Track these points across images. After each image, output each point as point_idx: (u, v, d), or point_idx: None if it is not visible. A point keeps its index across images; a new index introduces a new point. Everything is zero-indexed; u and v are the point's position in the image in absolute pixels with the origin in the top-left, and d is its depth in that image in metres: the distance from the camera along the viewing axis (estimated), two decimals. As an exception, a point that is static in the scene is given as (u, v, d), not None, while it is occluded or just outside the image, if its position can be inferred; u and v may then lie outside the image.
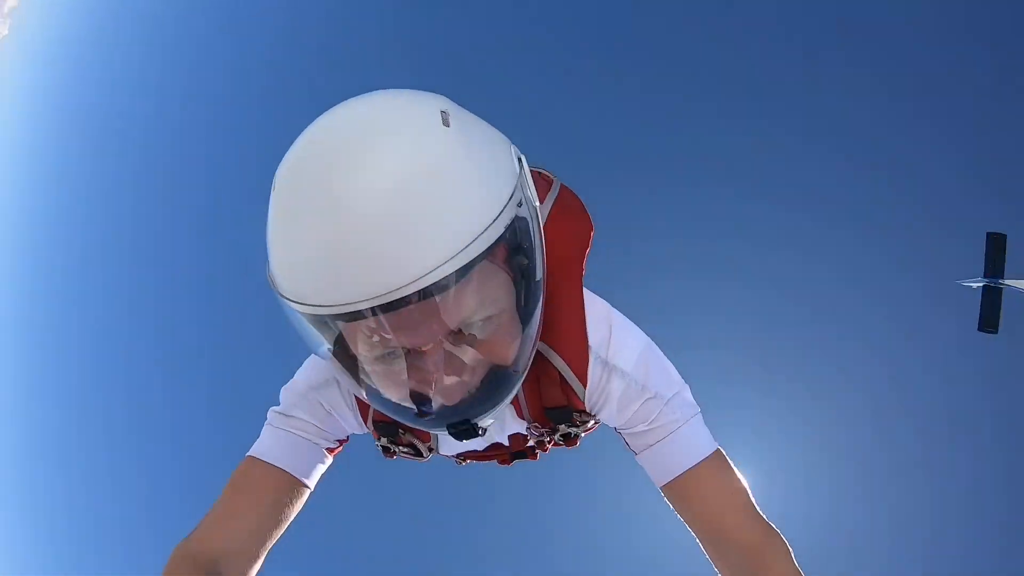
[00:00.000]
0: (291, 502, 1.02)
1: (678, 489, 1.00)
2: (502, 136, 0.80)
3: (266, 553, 1.00)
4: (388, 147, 0.66)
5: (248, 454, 1.04)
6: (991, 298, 6.20)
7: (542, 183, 1.16)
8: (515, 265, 0.77)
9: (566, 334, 0.96)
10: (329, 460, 1.09)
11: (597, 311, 1.02)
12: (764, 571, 0.93)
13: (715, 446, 1.02)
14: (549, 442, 1.11)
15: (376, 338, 0.73)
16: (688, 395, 1.03)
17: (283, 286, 0.71)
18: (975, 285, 6.33)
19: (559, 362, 0.96)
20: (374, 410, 1.01)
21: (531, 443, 1.13)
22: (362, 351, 0.76)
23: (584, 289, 1.02)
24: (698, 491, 0.99)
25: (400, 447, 1.10)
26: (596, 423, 1.08)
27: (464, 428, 0.81)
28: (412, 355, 0.75)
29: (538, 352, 0.91)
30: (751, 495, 1.01)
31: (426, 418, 0.82)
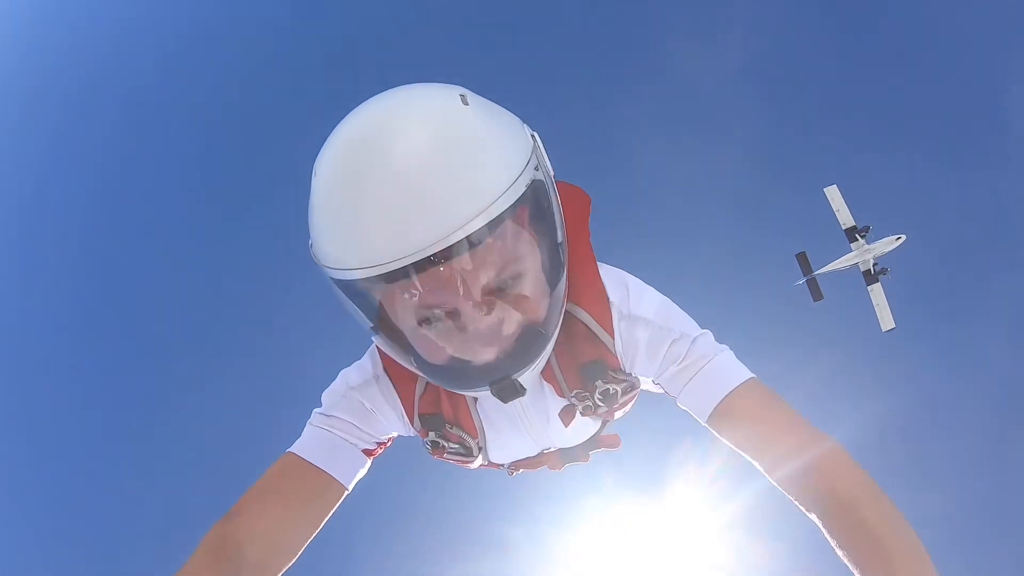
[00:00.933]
0: (325, 501, 1.04)
1: (723, 414, 0.99)
2: (514, 116, 0.89)
3: (299, 549, 1.01)
4: (418, 123, 0.75)
5: (288, 450, 1.06)
6: (813, 285, 13.22)
7: None
8: (538, 227, 0.85)
9: (586, 291, 1.02)
10: (367, 463, 1.11)
11: (613, 274, 1.09)
12: (823, 469, 0.91)
13: (752, 374, 1.03)
14: (592, 407, 1.10)
15: (417, 298, 0.79)
16: (712, 338, 1.06)
17: (332, 257, 0.78)
18: (800, 282, 13.30)
19: (584, 315, 1.02)
20: (419, 402, 1.07)
21: (577, 410, 1.12)
22: (404, 318, 0.83)
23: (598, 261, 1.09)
24: (745, 410, 0.99)
25: (449, 443, 1.11)
26: (633, 386, 1.11)
27: (505, 384, 0.87)
28: (450, 317, 0.81)
29: (568, 312, 0.99)
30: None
31: (469, 378, 0.89)
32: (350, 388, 1.09)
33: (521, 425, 1.15)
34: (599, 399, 1.08)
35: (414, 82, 0.83)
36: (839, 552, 0.86)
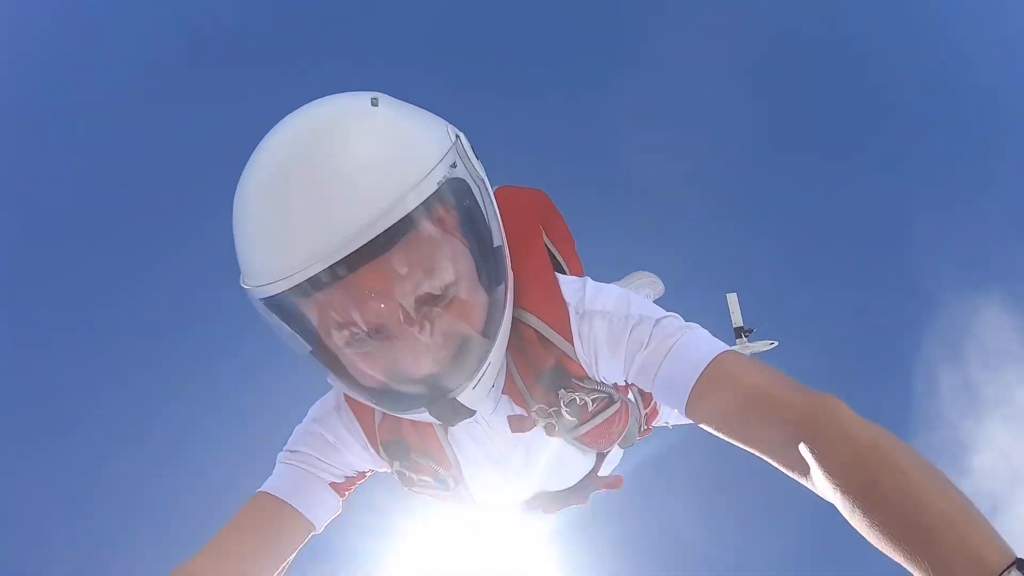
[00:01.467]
0: (291, 536, 0.97)
1: (700, 393, 0.84)
2: (437, 117, 0.84)
3: None
4: (318, 128, 0.73)
5: (257, 490, 1.00)
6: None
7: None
8: (461, 228, 0.79)
9: (538, 295, 0.95)
10: (337, 499, 1.03)
11: (573, 279, 1.01)
12: (819, 426, 0.73)
13: (727, 346, 0.89)
14: (556, 424, 0.99)
15: (340, 318, 0.75)
16: (681, 319, 0.93)
17: (251, 275, 0.75)
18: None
19: (534, 320, 0.94)
20: (379, 429, 1.00)
21: (536, 422, 1.00)
22: (334, 339, 0.78)
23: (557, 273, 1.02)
24: (724, 381, 0.83)
25: (419, 475, 1.03)
26: (611, 399, 1.01)
27: (444, 405, 0.81)
28: (379, 335, 0.76)
29: (517, 320, 0.92)
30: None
31: (403, 399, 0.82)
32: (312, 421, 1.03)
33: (497, 457, 1.05)
34: (567, 412, 0.97)
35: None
36: (869, 536, 0.66)
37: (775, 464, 0.79)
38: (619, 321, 0.92)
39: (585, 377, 0.97)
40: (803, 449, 0.72)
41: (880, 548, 0.65)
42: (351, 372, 0.83)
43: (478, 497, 1.09)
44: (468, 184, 0.80)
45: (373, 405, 0.89)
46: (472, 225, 0.81)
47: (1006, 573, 0.54)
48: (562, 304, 0.96)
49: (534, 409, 0.98)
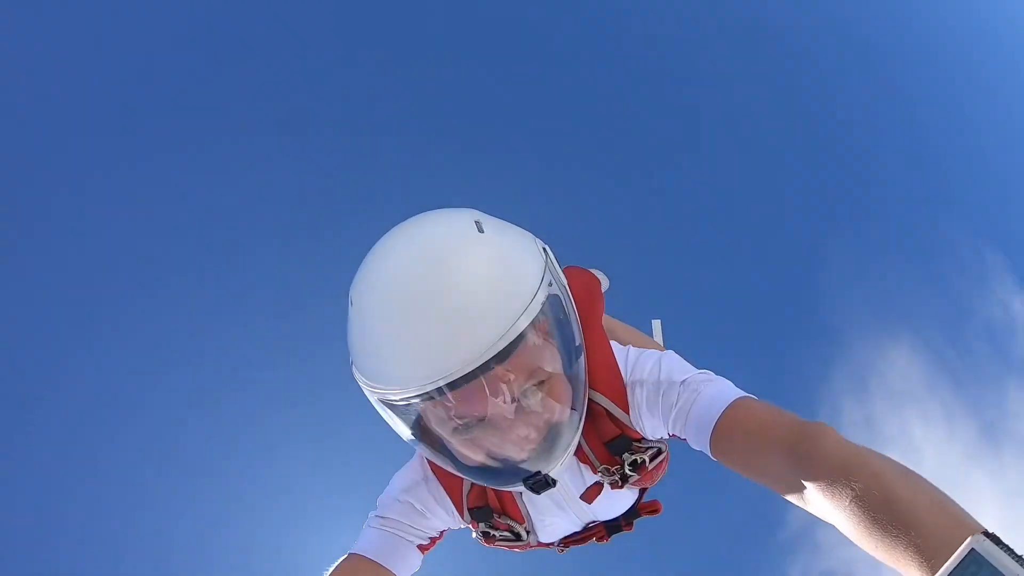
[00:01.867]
0: None
1: (719, 436, 0.97)
2: (526, 232, 0.98)
3: None
4: (443, 258, 0.84)
5: (349, 552, 1.13)
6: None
7: None
8: (556, 336, 0.92)
9: (602, 375, 1.10)
10: (420, 556, 1.18)
11: (621, 351, 1.17)
12: (809, 446, 0.83)
13: (743, 393, 1.02)
14: (622, 478, 1.15)
15: (453, 412, 0.87)
16: (710, 373, 1.09)
17: (374, 378, 0.86)
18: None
19: (601, 398, 1.09)
20: (467, 498, 1.14)
21: (605, 483, 1.18)
22: (441, 427, 0.91)
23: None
24: (736, 424, 0.96)
25: (498, 531, 1.18)
26: (657, 450, 1.16)
27: (537, 480, 0.95)
28: (482, 423, 0.88)
29: (589, 399, 1.07)
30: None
31: (504, 476, 0.96)
32: (402, 491, 1.18)
33: (565, 505, 1.23)
34: (629, 469, 1.14)
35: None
36: (859, 540, 0.74)
37: (783, 494, 0.89)
38: (653, 386, 1.09)
39: (642, 439, 1.15)
40: (797, 469, 0.83)
41: (871, 551, 0.73)
42: (457, 455, 0.95)
43: (543, 538, 1.26)
44: (560, 297, 0.93)
45: (476, 481, 1.01)
46: (562, 330, 0.94)
47: (976, 543, 0.63)
48: (620, 380, 1.11)
49: (600, 469, 1.15)
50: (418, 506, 1.16)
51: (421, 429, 0.95)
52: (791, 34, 9.55)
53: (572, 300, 0.99)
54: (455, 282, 0.82)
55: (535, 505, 1.21)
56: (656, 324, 2.59)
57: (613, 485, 1.17)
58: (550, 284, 0.91)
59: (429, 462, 1.15)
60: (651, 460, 1.15)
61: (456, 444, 0.93)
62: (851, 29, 10.00)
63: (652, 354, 1.16)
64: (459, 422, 0.89)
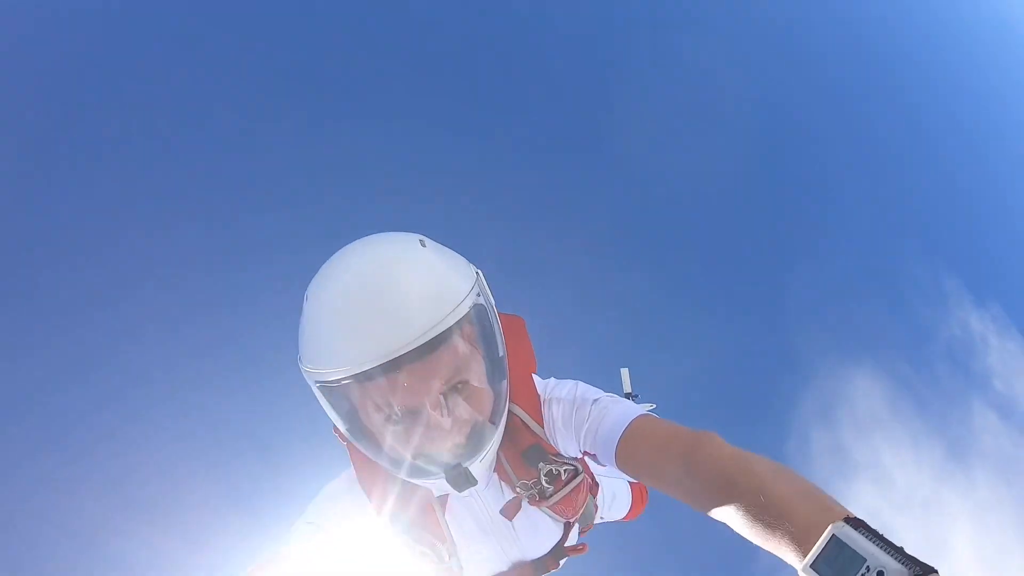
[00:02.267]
0: None
1: (622, 447, 1.09)
2: (462, 257, 1.11)
3: None
4: (388, 263, 0.97)
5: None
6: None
7: None
8: (481, 341, 1.05)
9: (522, 391, 1.22)
10: None
11: (539, 380, 1.29)
12: (697, 453, 0.96)
13: (644, 411, 1.15)
14: (539, 493, 1.23)
15: (382, 402, 0.97)
16: (616, 396, 1.21)
17: (318, 363, 0.96)
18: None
19: (518, 410, 1.20)
20: (389, 503, 1.18)
21: (524, 497, 1.25)
22: (372, 417, 1.00)
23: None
24: (637, 437, 1.09)
25: (420, 547, 1.21)
26: (576, 471, 1.25)
27: (458, 473, 1.04)
28: (410, 414, 0.98)
29: (508, 410, 1.16)
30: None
31: (426, 467, 1.05)
32: (326, 499, 1.22)
33: (488, 528, 1.26)
34: (545, 480, 1.21)
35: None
36: (744, 531, 0.85)
37: (679, 499, 1.01)
38: (569, 404, 1.20)
39: (556, 453, 1.22)
40: (689, 475, 0.95)
41: (757, 542, 0.83)
42: (382, 446, 1.03)
43: (467, 569, 1.28)
44: (486, 309, 1.06)
45: (400, 473, 1.07)
46: (487, 340, 1.06)
47: (836, 529, 0.73)
48: (536, 398, 1.23)
49: (518, 485, 1.21)
50: (340, 512, 1.20)
51: (355, 420, 1.04)
52: (754, 68, 9.99)
53: (497, 317, 1.11)
54: (396, 283, 0.94)
55: (460, 525, 1.24)
56: (624, 372, 2.66)
57: (531, 500, 1.24)
58: (478, 295, 1.04)
59: (357, 468, 1.22)
60: (566, 476, 1.24)
61: (386, 436, 1.02)
62: (813, 61, 10.41)
63: (568, 381, 1.28)
64: (388, 411, 0.98)
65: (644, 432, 1.09)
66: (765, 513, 0.81)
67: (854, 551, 0.71)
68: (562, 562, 1.41)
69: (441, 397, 0.97)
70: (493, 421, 1.08)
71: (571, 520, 1.34)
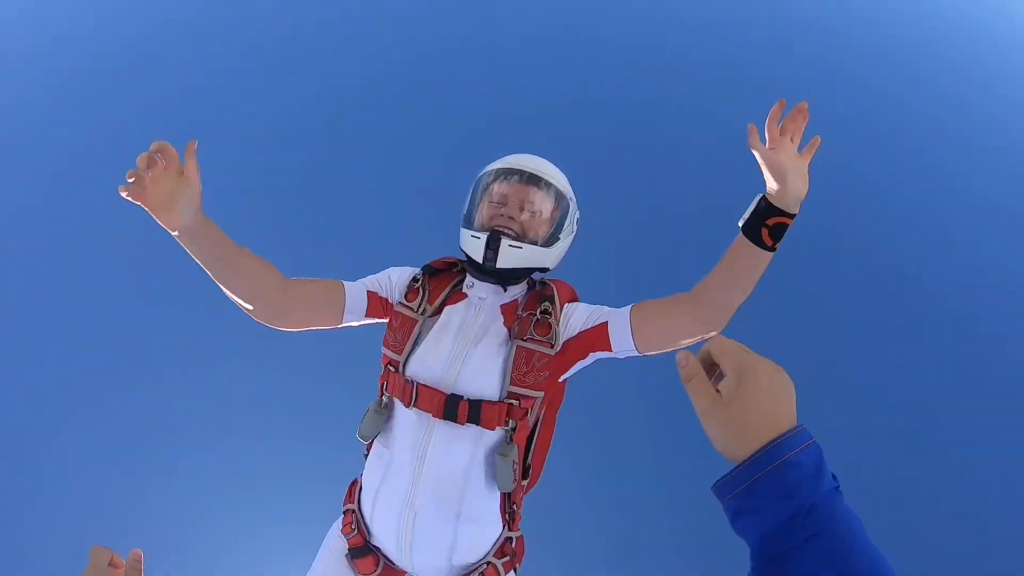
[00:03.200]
0: (334, 298, 1.54)
1: (637, 313, 1.48)
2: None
3: (296, 301, 1.47)
4: (544, 163, 1.68)
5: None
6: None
7: None
8: (563, 220, 1.64)
9: (564, 292, 1.64)
10: (366, 306, 1.57)
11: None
12: (685, 296, 1.45)
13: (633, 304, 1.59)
14: (520, 326, 1.55)
15: (500, 196, 1.58)
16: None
17: (494, 164, 1.64)
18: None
19: (553, 293, 1.59)
20: (411, 292, 1.58)
21: (517, 318, 1.58)
22: (484, 208, 1.60)
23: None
24: (647, 306, 1.49)
25: (405, 309, 1.57)
26: (552, 344, 1.52)
27: (495, 238, 1.51)
28: (504, 205, 1.57)
29: (549, 283, 1.63)
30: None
31: (481, 232, 1.54)
32: (390, 270, 1.66)
33: (460, 333, 1.53)
34: (540, 315, 1.53)
35: None
36: (733, 278, 1.38)
37: (683, 337, 1.44)
38: (585, 309, 1.58)
39: (555, 329, 1.53)
40: (690, 310, 1.43)
41: (737, 277, 1.37)
42: (476, 217, 1.60)
43: (420, 348, 1.52)
44: (570, 209, 1.67)
45: (470, 231, 1.57)
46: (560, 217, 1.63)
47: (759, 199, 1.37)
48: (567, 299, 1.63)
49: (518, 315, 1.57)
50: (393, 278, 1.62)
51: (474, 204, 1.62)
52: (755, 69, 10.04)
53: (577, 227, 1.72)
54: (544, 160, 1.66)
55: (453, 314, 1.56)
56: None
57: (512, 332, 1.54)
58: (572, 199, 1.68)
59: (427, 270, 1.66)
60: (539, 331, 1.51)
61: (484, 210, 1.59)
62: (816, 62, 10.41)
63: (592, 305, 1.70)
64: (498, 199, 1.58)
65: (648, 304, 1.49)
66: (726, 266, 1.39)
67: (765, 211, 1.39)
68: (468, 424, 1.45)
69: (524, 204, 1.57)
70: (535, 242, 1.56)
71: (513, 387, 1.46)
